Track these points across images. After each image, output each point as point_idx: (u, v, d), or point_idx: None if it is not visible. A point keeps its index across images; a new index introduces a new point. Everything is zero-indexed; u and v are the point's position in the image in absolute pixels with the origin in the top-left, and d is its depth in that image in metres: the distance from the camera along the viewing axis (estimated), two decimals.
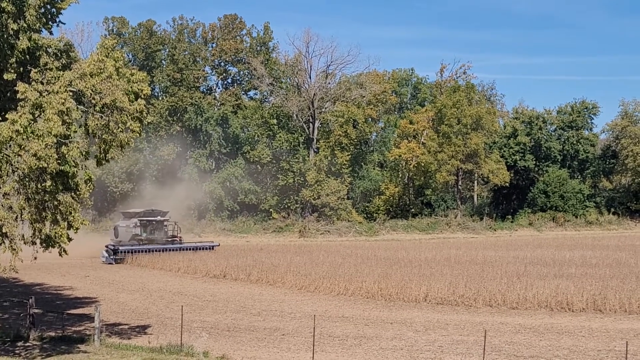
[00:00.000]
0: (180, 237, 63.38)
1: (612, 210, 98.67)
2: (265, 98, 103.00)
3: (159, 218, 61.88)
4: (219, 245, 64.19)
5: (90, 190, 21.69)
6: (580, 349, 23.39)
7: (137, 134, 21.59)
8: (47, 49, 21.60)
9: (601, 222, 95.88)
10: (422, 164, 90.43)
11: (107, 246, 57.53)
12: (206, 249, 61.54)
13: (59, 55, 21.65)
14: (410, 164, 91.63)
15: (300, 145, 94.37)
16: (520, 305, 31.82)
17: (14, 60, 21.11)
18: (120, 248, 57.00)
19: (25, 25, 21.16)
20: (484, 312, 31.12)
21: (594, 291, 32.45)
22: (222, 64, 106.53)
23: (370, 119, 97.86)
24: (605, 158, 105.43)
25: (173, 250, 58.79)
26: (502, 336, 25.40)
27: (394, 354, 22.80)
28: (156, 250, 57.35)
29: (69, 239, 21.45)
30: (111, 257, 56.14)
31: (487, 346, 21.14)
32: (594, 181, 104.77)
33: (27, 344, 23.84)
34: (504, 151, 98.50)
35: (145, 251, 57.08)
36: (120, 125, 20.97)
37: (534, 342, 24.41)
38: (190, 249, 60.11)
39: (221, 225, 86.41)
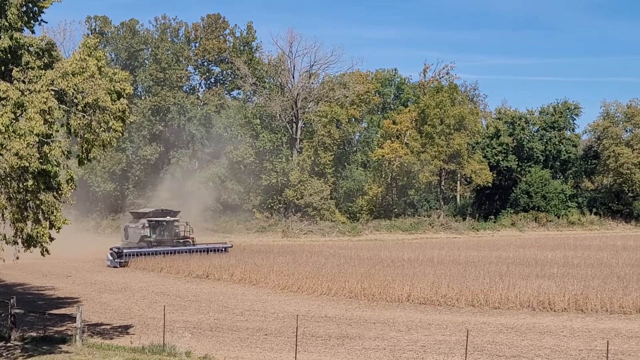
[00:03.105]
0: (192, 238, 60.11)
1: (594, 210, 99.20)
2: (249, 98, 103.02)
3: (168, 218, 58.91)
4: (231, 247, 59.81)
5: (72, 190, 21.58)
6: (562, 349, 23.52)
7: (120, 134, 21.52)
8: (29, 47, 21.45)
9: (583, 222, 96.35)
10: (405, 164, 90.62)
11: (111, 249, 54.14)
12: (219, 250, 57.66)
13: (41, 54, 21.52)
14: (394, 164, 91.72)
15: (284, 145, 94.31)
16: (503, 305, 31.94)
17: None
18: (125, 251, 53.64)
19: (6, 23, 21.02)
20: (466, 312, 31.22)
21: (575, 291, 32.63)
22: (205, 63, 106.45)
23: (353, 119, 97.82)
24: (587, 158, 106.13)
25: (184, 252, 55.43)
26: (484, 336, 25.49)
27: (376, 354, 22.83)
28: (165, 253, 54.24)
29: (51, 239, 21.35)
30: (115, 260, 52.48)
31: (469, 346, 21.22)
32: (576, 181, 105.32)
33: (9, 344, 23.68)
34: (487, 151, 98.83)
35: (153, 254, 53.82)
36: (102, 124, 20.89)
37: (516, 342, 24.52)
38: (201, 251, 56.34)
39: (204, 225, 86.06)
